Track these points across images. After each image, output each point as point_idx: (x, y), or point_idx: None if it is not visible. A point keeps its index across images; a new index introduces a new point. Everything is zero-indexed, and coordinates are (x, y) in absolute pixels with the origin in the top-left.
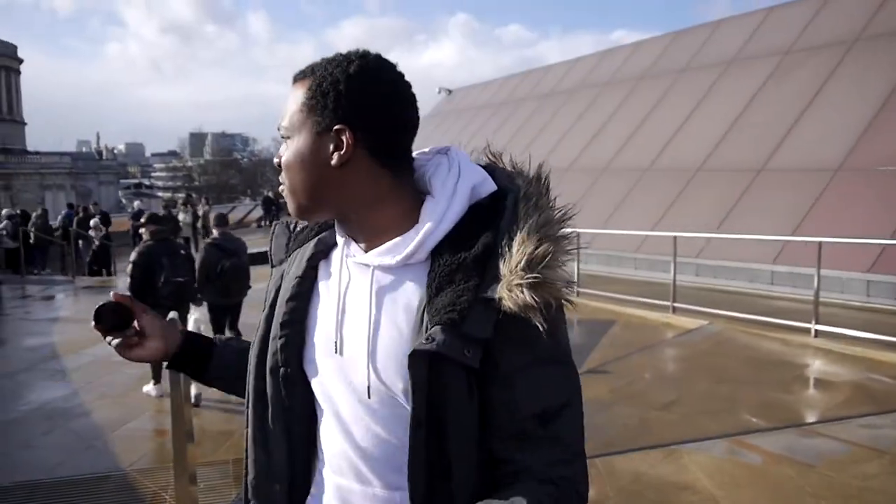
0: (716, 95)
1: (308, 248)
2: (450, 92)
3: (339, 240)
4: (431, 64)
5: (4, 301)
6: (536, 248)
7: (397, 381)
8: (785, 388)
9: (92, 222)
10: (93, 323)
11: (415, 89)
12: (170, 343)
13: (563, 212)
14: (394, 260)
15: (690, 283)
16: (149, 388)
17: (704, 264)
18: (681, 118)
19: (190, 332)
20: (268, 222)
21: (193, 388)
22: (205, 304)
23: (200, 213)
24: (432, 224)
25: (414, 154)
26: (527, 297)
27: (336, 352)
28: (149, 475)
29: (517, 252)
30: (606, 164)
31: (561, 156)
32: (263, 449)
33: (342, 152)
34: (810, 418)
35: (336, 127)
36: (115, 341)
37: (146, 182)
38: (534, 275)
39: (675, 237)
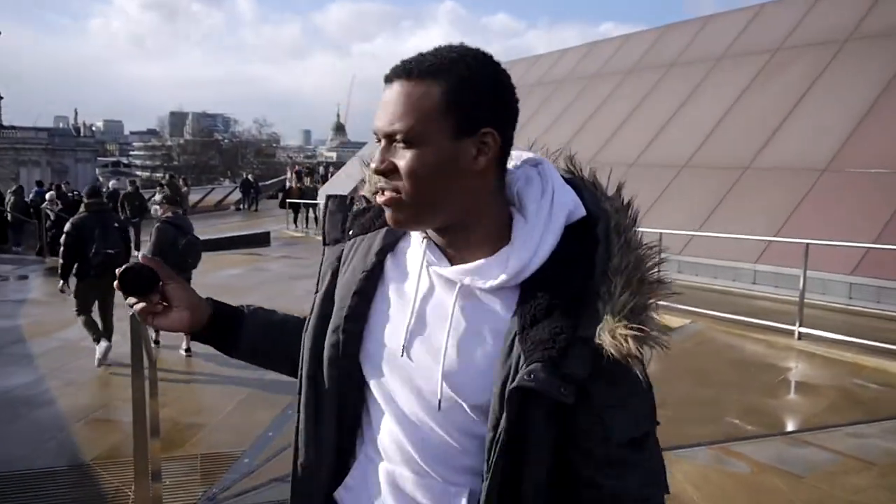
0: (704, 91)
1: (376, 240)
2: None
3: (417, 241)
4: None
5: None
6: (639, 295)
7: (473, 399)
8: (770, 393)
9: (48, 195)
10: (115, 283)
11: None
12: (197, 314)
13: (654, 252)
14: (486, 284)
15: (672, 280)
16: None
17: (686, 261)
18: (668, 113)
19: (218, 303)
20: (246, 205)
21: (184, 342)
22: None
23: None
24: (528, 253)
25: None
26: (632, 348)
27: (403, 355)
28: (111, 469)
29: (620, 297)
30: (591, 157)
31: (541, 151)
32: (315, 432)
33: (489, 156)
34: (797, 426)
35: (484, 129)
36: (138, 306)
37: (124, 160)
38: (640, 327)
39: (660, 234)
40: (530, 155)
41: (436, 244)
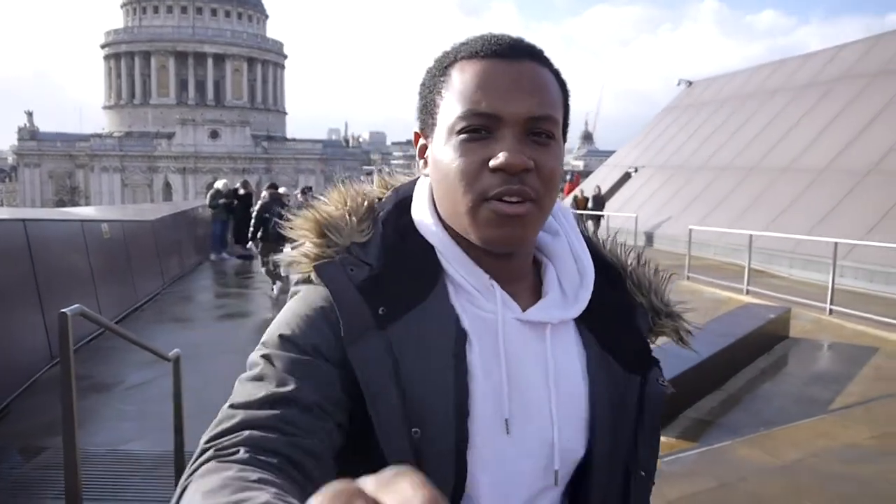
0: None
1: (444, 304)
2: (690, 84)
3: (471, 287)
4: (673, 55)
5: (257, 276)
6: (662, 293)
7: (578, 445)
8: None
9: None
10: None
11: (655, 81)
12: None
13: (650, 263)
14: (575, 312)
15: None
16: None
17: None
18: None
19: None
20: None
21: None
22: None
23: None
24: (592, 270)
25: None
26: (689, 328)
27: (507, 432)
28: None
29: (655, 298)
30: (874, 164)
31: (817, 155)
32: None
33: None
34: None
35: (566, 136)
36: None
37: (386, 168)
38: (683, 319)
39: None
40: None
41: (498, 284)
